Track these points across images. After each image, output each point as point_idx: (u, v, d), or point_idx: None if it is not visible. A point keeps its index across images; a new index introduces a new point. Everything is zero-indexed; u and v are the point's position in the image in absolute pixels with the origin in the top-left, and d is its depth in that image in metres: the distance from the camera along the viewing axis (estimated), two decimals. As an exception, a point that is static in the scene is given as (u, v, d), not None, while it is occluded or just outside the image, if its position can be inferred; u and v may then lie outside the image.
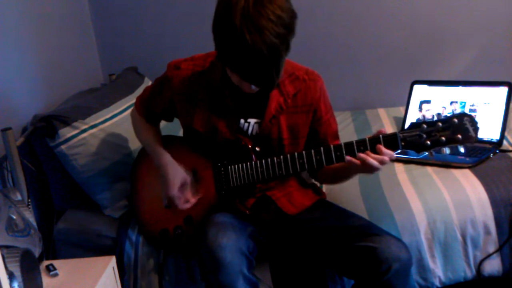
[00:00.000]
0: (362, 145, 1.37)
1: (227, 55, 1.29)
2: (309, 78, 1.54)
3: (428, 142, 1.32)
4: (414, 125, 1.34)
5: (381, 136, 1.35)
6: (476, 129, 1.29)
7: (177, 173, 1.57)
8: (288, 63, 1.50)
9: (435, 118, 2.09)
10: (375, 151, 1.34)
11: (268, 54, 1.23)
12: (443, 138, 1.31)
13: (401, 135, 1.34)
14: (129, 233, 1.75)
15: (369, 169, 1.34)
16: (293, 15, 1.27)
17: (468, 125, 1.29)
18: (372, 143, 1.35)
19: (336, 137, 1.63)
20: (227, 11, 1.23)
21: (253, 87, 1.37)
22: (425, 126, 1.32)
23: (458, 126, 1.30)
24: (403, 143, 1.34)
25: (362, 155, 1.33)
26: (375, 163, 1.32)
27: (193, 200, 1.58)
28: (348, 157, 1.36)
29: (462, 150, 1.85)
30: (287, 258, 1.64)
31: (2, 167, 1.80)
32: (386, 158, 1.33)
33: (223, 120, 1.54)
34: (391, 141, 1.35)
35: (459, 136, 1.30)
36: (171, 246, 1.67)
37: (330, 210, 1.60)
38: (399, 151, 1.36)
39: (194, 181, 1.61)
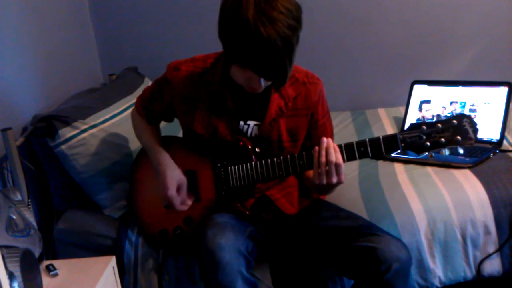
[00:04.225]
0: (362, 145, 1.37)
1: (239, 51, 1.29)
2: (309, 82, 1.54)
3: (428, 144, 1.32)
4: (414, 126, 1.34)
5: (381, 137, 1.35)
6: (475, 131, 1.30)
7: (174, 174, 1.58)
8: None
9: (435, 119, 2.09)
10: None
11: (282, 46, 1.24)
12: (443, 140, 1.31)
13: (401, 136, 1.34)
14: (129, 233, 1.75)
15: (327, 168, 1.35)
16: (299, 8, 1.30)
17: (468, 127, 1.29)
18: (373, 144, 1.36)
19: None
20: (238, 6, 1.24)
21: (262, 84, 1.37)
22: (424, 127, 1.32)
23: (458, 128, 1.30)
24: (403, 144, 1.34)
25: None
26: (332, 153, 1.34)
27: (189, 202, 1.59)
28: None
29: (461, 151, 1.85)
30: (287, 258, 1.64)
31: (2, 167, 1.80)
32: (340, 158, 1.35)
33: (222, 122, 1.54)
34: (391, 142, 1.35)
35: (459, 137, 1.30)
36: (171, 246, 1.67)
37: (330, 210, 1.60)
38: (399, 151, 1.36)
39: (191, 183, 1.61)
